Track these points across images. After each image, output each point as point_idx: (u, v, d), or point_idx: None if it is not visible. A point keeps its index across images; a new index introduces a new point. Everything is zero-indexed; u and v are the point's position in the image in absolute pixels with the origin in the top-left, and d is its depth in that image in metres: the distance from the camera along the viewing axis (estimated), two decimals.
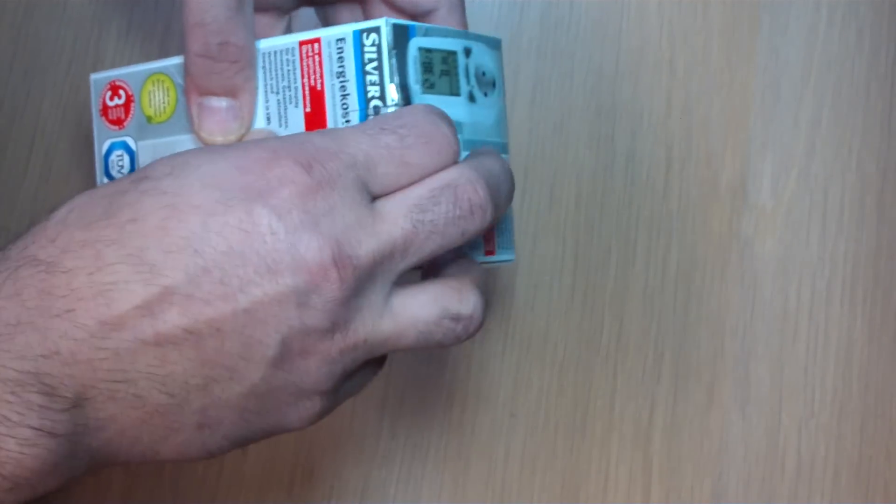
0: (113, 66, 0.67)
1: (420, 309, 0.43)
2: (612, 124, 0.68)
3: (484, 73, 0.51)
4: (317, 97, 0.48)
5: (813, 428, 0.63)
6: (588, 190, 0.66)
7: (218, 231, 0.40)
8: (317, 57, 0.48)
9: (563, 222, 0.66)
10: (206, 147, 0.44)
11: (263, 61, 0.49)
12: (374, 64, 0.47)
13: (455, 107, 0.49)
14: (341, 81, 0.47)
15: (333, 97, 0.48)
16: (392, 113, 0.44)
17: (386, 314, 0.42)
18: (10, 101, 0.66)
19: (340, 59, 0.47)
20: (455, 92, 0.49)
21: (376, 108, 0.46)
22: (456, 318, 0.44)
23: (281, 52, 0.49)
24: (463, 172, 0.44)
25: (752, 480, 0.62)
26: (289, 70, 0.49)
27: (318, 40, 0.48)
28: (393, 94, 0.46)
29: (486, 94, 0.51)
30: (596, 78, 0.68)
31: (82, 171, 0.64)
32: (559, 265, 0.65)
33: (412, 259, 0.43)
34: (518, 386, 0.63)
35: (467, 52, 0.50)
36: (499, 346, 0.64)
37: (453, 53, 0.49)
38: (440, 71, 0.49)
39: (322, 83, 0.48)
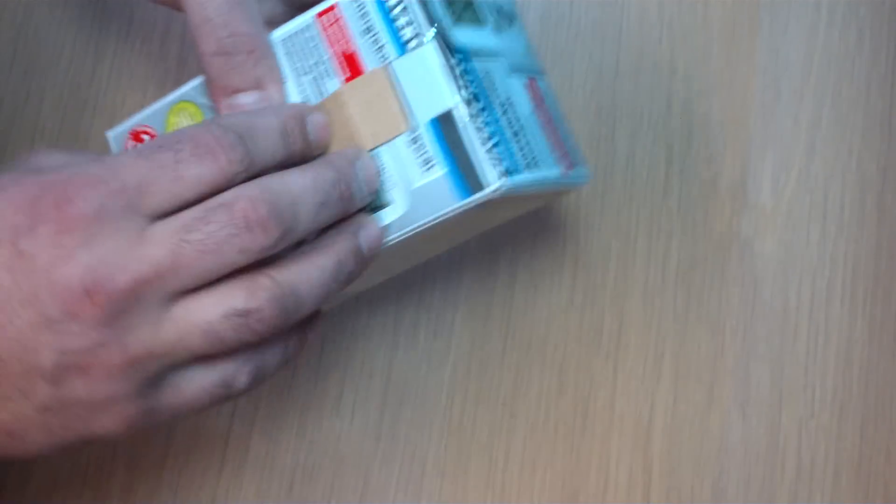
0: (112, 70, 0.67)
1: (202, 312, 0.44)
2: (612, 124, 0.68)
3: (501, 8, 0.51)
4: (352, 60, 0.48)
5: (813, 428, 0.63)
6: (588, 190, 0.66)
7: None
8: (339, 22, 0.48)
9: (563, 222, 0.66)
10: None
11: (285, 48, 0.49)
12: (401, 7, 0.46)
13: (485, 36, 0.49)
14: (372, 36, 0.47)
15: (368, 54, 0.47)
16: (174, 132, 0.45)
17: (165, 324, 0.43)
18: (10, 101, 0.66)
19: (364, 14, 0.47)
20: (482, 23, 0.49)
21: (416, 46, 0.46)
22: (243, 314, 0.44)
23: (299, 32, 0.48)
24: (243, 191, 0.44)
25: (752, 481, 0.62)
26: (314, 46, 0.48)
27: (333, 7, 0.48)
28: (427, 28, 0.46)
29: (510, 26, 0.51)
30: (596, 78, 0.68)
31: None
32: (559, 265, 0.65)
33: (188, 278, 0.43)
34: (518, 386, 0.63)
35: None
36: (499, 346, 0.64)
37: None
38: (462, 3, 0.49)
39: (352, 45, 0.47)
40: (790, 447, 0.63)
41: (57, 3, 0.67)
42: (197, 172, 0.43)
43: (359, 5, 0.47)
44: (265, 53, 0.48)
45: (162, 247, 0.43)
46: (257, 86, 0.48)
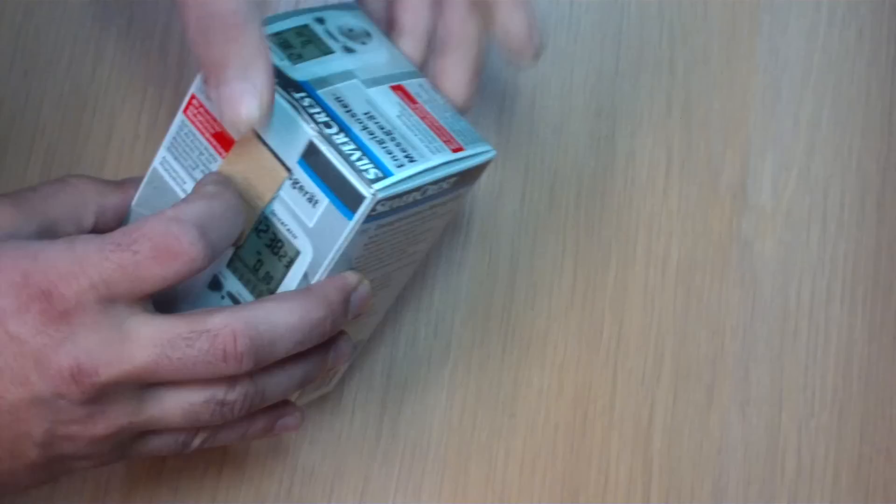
0: (112, 70, 0.67)
1: (185, 396, 0.48)
2: (612, 124, 0.68)
3: (351, 29, 0.53)
4: (222, 138, 0.50)
5: (813, 428, 0.63)
6: (588, 190, 0.66)
7: None
8: (201, 108, 0.50)
9: (563, 222, 0.66)
10: None
11: (172, 153, 0.51)
12: None
13: (335, 61, 0.51)
14: None
15: None
16: (131, 226, 0.46)
17: (149, 402, 0.48)
18: (10, 101, 0.66)
19: None
20: (327, 51, 0.51)
21: None
22: (222, 403, 0.49)
23: (178, 132, 0.51)
24: (229, 322, 0.46)
25: (752, 481, 0.62)
26: (192, 140, 0.51)
27: (192, 97, 0.50)
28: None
29: (364, 43, 0.53)
30: (596, 78, 0.68)
31: (82, 171, 0.64)
32: (559, 265, 0.65)
33: (166, 378, 0.47)
34: (518, 386, 0.63)
35: (319, 20, 0.52)
36: (499, 346, 0.64)
37: (305, 26, 0.52)
38: (300, 42, 0.51)
39: (218, 124, 0.50)
40: (790, 447, 0.63)
41: (57, 3, 0.67)
42: (158, 273, 0.46)
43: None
44: (247, 30, 0.47)
45: (144, 352, 0.46)
46: (242, 65, 0.47)
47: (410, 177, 0.48)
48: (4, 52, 0.67)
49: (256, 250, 0.50)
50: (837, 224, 0.66)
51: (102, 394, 0.46)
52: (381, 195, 0.47)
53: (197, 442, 0.51)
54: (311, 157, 0.48)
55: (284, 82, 0.49)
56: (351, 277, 0.50)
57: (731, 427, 0.63)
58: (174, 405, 0.48)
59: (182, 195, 0.51)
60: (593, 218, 0.66)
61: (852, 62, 0.69)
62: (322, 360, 0.52)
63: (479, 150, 0.51)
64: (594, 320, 0.64)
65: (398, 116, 0.50)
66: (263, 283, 0.50)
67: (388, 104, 0.51)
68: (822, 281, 0.65)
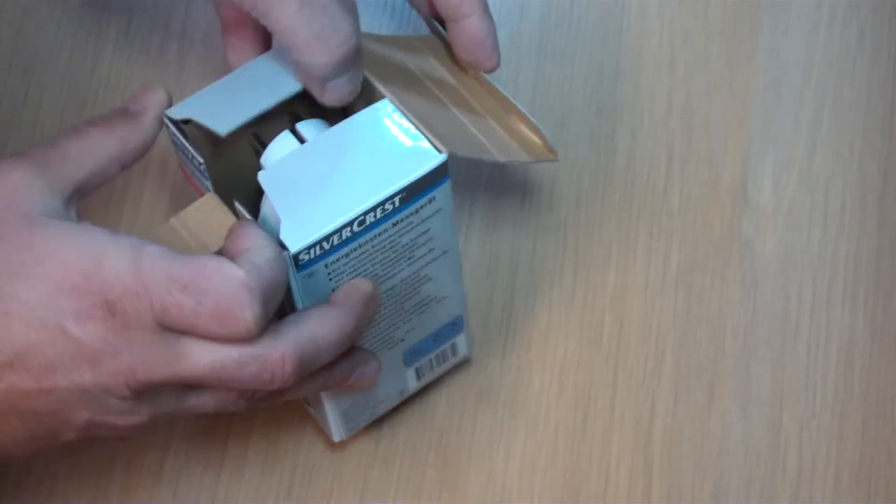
0: (112, 69, 0.67)
1: (218, 396, 0.50)
2: (612, 124, 0.68)
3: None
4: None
5: (814, 428, 0.63)
6: (588, 190, 0.66)
7: (35, 327, 0.46)
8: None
9: (563, 222, 0.66)
10: (43, 250, 0.47)
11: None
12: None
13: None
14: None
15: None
16: (203, 271, 0.47)
17: (188, 397, 0.49)
18: (9, 100, 0.66)
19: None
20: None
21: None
22: (253, 399, 0.51)
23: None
24: (278, 347, 0.48)
25: (753, 481, 0.62)
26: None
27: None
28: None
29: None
30: (596, 78, 0.68)
31: None
32: (559, 265, 0.65)
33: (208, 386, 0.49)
34: (518, 386, 0.63)
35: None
36: (499, 346, 0.64)
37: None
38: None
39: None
40: (791, 447, 0.62)
41: (57, 3, 0.67)
42: (211, 329, 0.47)
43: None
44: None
45: (196, 370, 0.47)
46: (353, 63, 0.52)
47: (328, 231, 0.50)
48: (4, 51, 0.67)
49: None
50: (838, 224, 0.66)
51: (153, 393, 0.48)
52: (294, 250, 0.49)
53: (231, 409, 0.51)
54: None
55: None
56: (364, 284, 0.52)
57: (731, 427, 0.63)
58: (213, 399, 0.50)
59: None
60: (593, 218, 0.66)
61: (853, 62, 0.69)
62: (347, 371, 0.54)
63: (415, 167, 0.51)
64: (594, 320, 0.64)
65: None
66: None
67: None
68: (823, 281, 0.65)
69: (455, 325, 0.59)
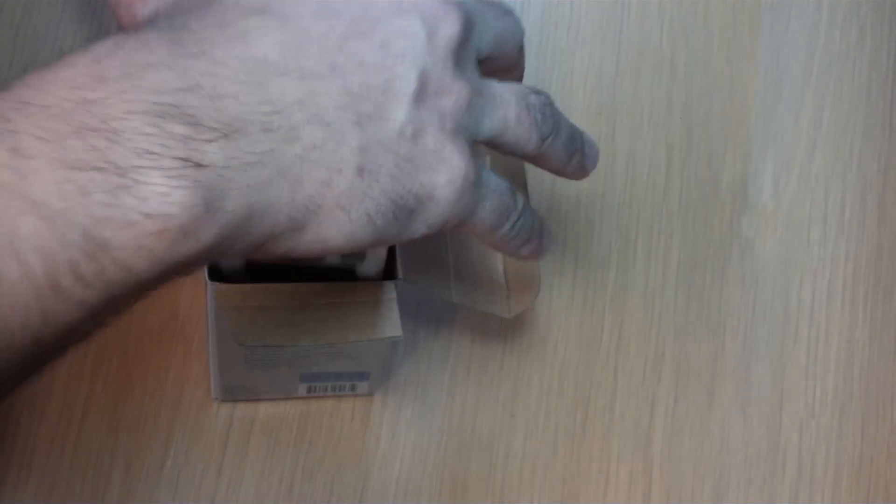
0: None
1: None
2: (612, 124, 0.68)
3: None
4: None
5: (814, 428, 0.63)
6: (588, 190, 0.66)
7: None
8: None
9: (563, 222, 0.66)
10: None
11: None
12: None
13: None
14: None
15: None
16: None
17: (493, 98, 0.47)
18: None
19: None
20: None
21: None
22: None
23: None
24: (533, 97, 0.49)
25: (753, 481, 0.62)
26: None
27: None
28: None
29: None
30: (596, 78, 0.68)
31: None
32: (559, 265, 0.65)
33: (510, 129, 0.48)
34: (518, 386, 0.63)
35: None
36: (499, 346, 0.64)
37: None
38: None
39: None
40: (791, 448, 0.62)
41: (56, 3, 0.67)
42: (505, 35, 0.48)
43: None
44: None
45: (510, 104, 0.47)
46: None
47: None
48: (3, 51, 0.67)
49: None
50: (838, 224, 0.66)
51: (461, 56, 0.45)
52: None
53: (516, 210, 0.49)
54: None
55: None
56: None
57: (731, 427, 0.63)
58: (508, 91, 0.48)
59: None
60: (593, 218, 0.66)
61: (853, 62, 0.69)
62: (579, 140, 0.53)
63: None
64: (594, 320, 0.64)
65: None
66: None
67: None
68: (822, 281, 0.65)
69: (362, 376, 0.59)
